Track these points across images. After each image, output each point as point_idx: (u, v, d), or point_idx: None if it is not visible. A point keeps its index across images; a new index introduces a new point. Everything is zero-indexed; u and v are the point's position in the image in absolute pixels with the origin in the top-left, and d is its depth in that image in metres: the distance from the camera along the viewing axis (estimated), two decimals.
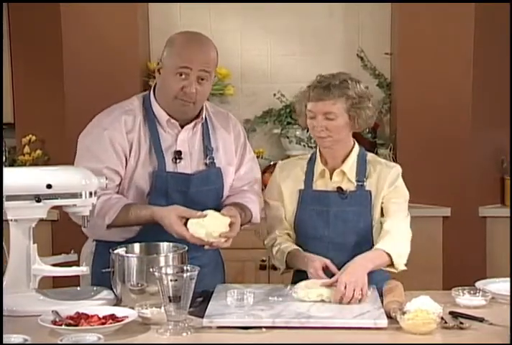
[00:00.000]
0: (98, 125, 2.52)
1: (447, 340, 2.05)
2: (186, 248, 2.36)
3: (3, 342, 1.90)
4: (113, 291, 2.35)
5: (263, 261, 3.89)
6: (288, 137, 4.33)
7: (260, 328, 2.10)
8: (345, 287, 2.27)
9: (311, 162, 2.64)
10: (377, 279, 2.42)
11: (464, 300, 2.31)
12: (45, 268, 2.33)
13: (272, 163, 4.20)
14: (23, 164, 4.19)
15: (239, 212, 2.49)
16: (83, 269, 2.33)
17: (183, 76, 2.44)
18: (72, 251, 2.45)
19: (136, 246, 2.42)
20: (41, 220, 2.31)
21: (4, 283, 2.28)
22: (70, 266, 2.35)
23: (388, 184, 2.56)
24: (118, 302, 2.33)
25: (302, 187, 2.61)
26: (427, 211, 3.89)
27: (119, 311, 2.16)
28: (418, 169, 3.84)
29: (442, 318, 2.11)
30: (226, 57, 4.28)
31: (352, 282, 2.28)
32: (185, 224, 2.37)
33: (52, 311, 2.14)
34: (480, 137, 4.05)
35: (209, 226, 2.35)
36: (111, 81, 4.04)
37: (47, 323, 2.07)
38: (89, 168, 2.36)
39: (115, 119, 2.51)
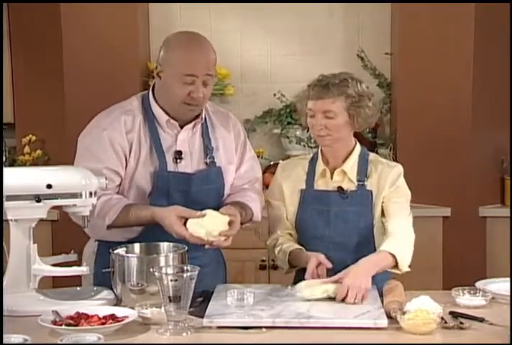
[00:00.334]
0: (98, 125, 2.52)
1: (447, 340, 2.05)
2: (186, 248, 2.36)
3: (3, 342, 1.90)
4: (113, 291, 2.35)
5: (263, 261, 3.89)
6: (288, 137, 4.34)
7: (260, 328, 2.10)
8: (348, 291, 2.27)
9: (313, 161, 2.64)
10: (377, 279, 2.41)
11: (465, 300, 2.31)
12: (45, 268, 2.33)
13: (272, 163, 4.20)
14: (23, 164, 4.19)
15: (239, 211, 2.49)
16: (83, 269, 2.33)
17: (189, 82, 2.44)
18: (72, 251, 2.45)
19: (137, 246, 2.43)
20: (41, 220, 2.31)
21: (4, 283, 2.28)
22: (70, 266, 2.35)
23: (389, 184, 2.56)
24: (118, 302, 2.33)
25: (303, 186, 2.61)
26: (427, 211, 3.89)
27: (119, 311, 2.16)
28: (418, 169, 3.83)
29: (442, 318, 2.11)
30: (226, 57, 4.30)
31: (356, 286, 2.28)
32: (185, 224, 2.37)
33: (52, 311, 2.14)
34: (480, 137, 4.05)
35: (208, 225, 2.35)
36: (111, 81, 4.04)
37: (47, 323, 2.07)
38: (89, 168, 2.36)
39: (114, 119, 2.51)
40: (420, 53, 4.04)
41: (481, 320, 2.15)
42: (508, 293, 2.32)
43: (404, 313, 2.09)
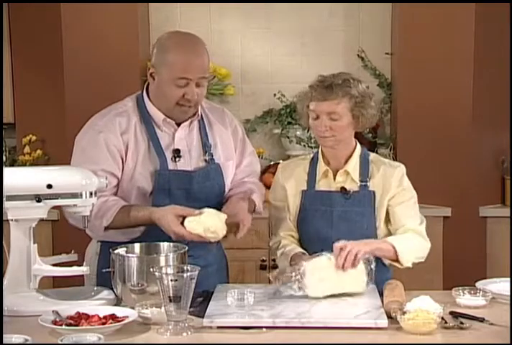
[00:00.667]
0: (93, 127, 2.53)
1: (447, 340, 2.05)
2: (186, 248, 2.35)
3: (4, 342, 1.90)
4: (113, 291, 2.35)
5: (263, 261, 3.89)
6: (288, 137, 4.33)
7: (261, 328, 2.10)
8: (340, 251, 2.32)
9: (313, 162, 2.63)
10: (377, 279, 2.41)
11: (465, 300, 2.31)
12: (46, 268, 2.33)
13: (272, 163, 4.20)
14: (23, 164, 4.19)
15: (244, 201, 2.52)
16: (84, 269, 2.32)
17: (183, 85, 2.44)
18: (72, 251, 2.45)
19: (137, 246, 2.42)
20: (41, 220, 2.31)
21: (5, 283, 2.28)
22: (71, 266, 2.35)
23: (395, 184, 2.56)
24: (118, 302, 2.33)
25: (305, 187, 2.61)
26: (428, 211, 3.85)
27: (120, 311, 2.16)
28: (419, 170, 3.82)
29: (442, 318, 2.11)
30: (227, 57, 4.30)
31: (348, 249, 2.32)
32: (183, 223, 2.37)
33: (53, 311, 2.14)
34: (481, 137, 4.05)
35: (206, 222, 2.35)
36: (112, 81, 4.04)
37: (48, 323, 2.07)
38: None
39: (109, 121, 2.51)
40: (420, 53, 4.04)
41: (481, 320, 2.15)
42: (508, 293, 2.32)
43: (404, 313, 2.09)
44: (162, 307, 2.11)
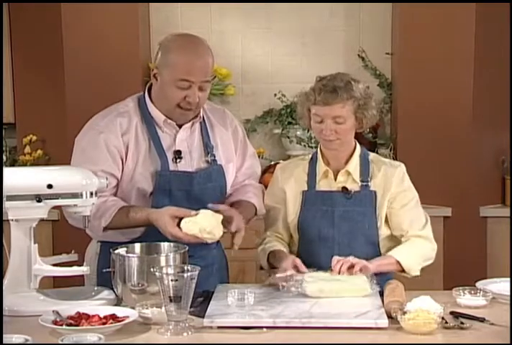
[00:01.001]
0: (93, 128, 2.52)
1: (448, 340, 2.05)
2: (187, 248, 2.36)
3: (4, 342, 1.90)
4: (114, 291, 2.35)
5: None
6: (288, 137, 4.33)
7: (261, 328, 2.10)
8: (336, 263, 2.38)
9: (313, 162, 2.63)
10: (378, 279, 2.41)
11: (465, 300, 2.31)
12: (46, 268, 2.33)
13: (272, 163, 4.20)
14: (24, 164, 4.19)
15: (239, 211, 2.50)
16: (84, 269, 2.32)
17: (185, 87, 2.44)
18: (72, 251, 2.45)
19: (137, 246, 2.42)
20: (42, 220, 2.31)
21: (5, 283, 2.28)
22: (71, 266, 2.35)
23: (397, 184, 2.56)
24: (119, 302, 2.33)
25: (305, 188, 2.60)
26: (428, 211, 3.82)
27: (120, 311, 2.16)
28: (419, 170, 3.81)
29: (443, 318, 2.11)
30: (227, 57, 4.30)
31: (344, 259, 2.38)
32: (179, 225, 2.36)
33: (53, 311, 2.14)
34: (481, 137, 4.05)
35: (202, 222, 2.35)
36: (112, 81, 4.04)
37: (48, 323, 2.07)
38: None
39: (110, 122, 2.51)
40: (421, 53, 4.04)
41: (482, 320, 2.15)
42: (509, 293, 2.32)
43: (405, 313, 2.09)
44: (163, 307, 2.11)
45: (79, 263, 2.39)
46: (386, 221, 2.59)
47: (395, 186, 2.56)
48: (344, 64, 4.37)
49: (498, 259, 3.96)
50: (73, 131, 2.65)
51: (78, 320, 2.09)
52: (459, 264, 3.90)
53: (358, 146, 2.62)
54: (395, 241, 2.61)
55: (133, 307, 2.19)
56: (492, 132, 4.09)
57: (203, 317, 2.14)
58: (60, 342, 1.94)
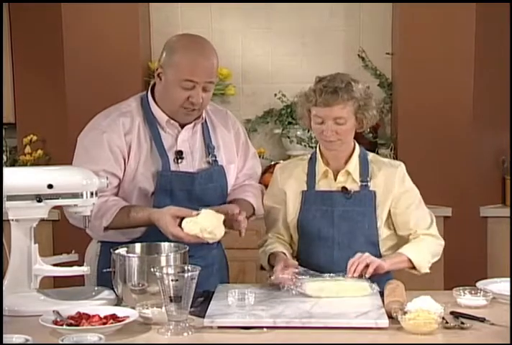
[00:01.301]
0: (96, 127, 2.52)
1: (448, 340, 2.05)
2: (187, 248, 2.36)
3: (4, 342, 1.90)
4: (114, 291, 2.35)
5: None
6: (288, 137, 4.34)
7: (261, 328, 2.10)
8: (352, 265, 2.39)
9: (312, 162, 2.62)
10: (378, 279, 2.41)
11: (466, 300, 2.31)
12: (46, 268, 2.33)
13: (272, 163, 4.20)
14: (24, 164, 4.20)
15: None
16: (84, 269, 2.32)
17: (189, 87, 2.44)
18: (73, 251, 2.45)
19: (138, 246, 2.42)
20: (42, 220, 2.31)
21: (5, 283, 2.28)
22: (71, 266, 2.35)
23: (398, 184, 2.56)
24: (119, 302, 2.33)
25: (304, 188, 2.60)
26: None
27: (120, 311, 2.16)
28: (419, 170, 3.81)
29: (443, 318, 2.11)
30: (228, 57, 4.30)
31: (358, 260, 2.38)
32: (180, 225, 2.37)
33: (53, 311, 2.14)
34: (481, 137, 4.05)
35: (203, 222, 2.35)
36: (113, 81, 4.04)
37: (48, 323, 2.07)
38: None
39: (112, 121, 2.51)
40: (421, 53, 4.05)
41: (482, 320, 2.15)
42: (509, 293, 2.32)
43: (405, 313, 2.09)
44: (163, 307, 2.11)
45: (79, 263, 2.39)
46: (386, 221, 2.58)
47: (397, 187, 2.56)
48: (344, 64, 4.37)
49: (498, 259, 3.96)
50: (74, 131, 2.65)
51: (79, 320, 2.09)
52: (460, 264, 3.90)
53: (357, 146, 2.61)
54: (395, 240, 2.61)
55: (133, 307, 2.19)
56: (492, 132, 4.09)
57: (203, 317, 2.14)
58: (61, 342, 1.94)
